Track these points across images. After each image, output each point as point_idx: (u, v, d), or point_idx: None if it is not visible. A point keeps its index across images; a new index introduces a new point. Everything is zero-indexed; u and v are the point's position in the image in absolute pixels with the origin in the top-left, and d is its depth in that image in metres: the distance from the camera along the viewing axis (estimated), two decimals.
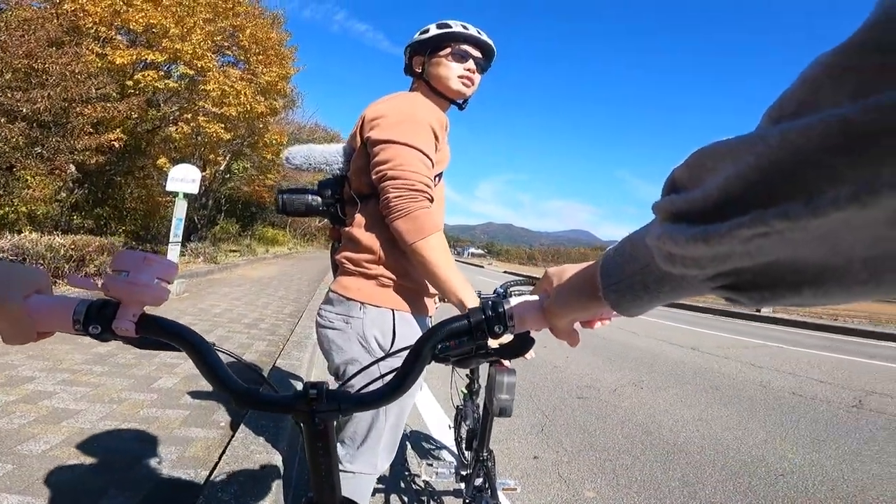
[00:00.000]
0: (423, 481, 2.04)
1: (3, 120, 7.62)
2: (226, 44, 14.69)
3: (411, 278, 1.21)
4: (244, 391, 0.55)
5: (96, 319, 0.52)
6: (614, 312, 0.45)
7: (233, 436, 2.13)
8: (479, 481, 1.59)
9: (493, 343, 0.59)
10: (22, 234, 5.86)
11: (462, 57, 1.30)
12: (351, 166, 1.27)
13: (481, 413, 1.73)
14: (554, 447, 2.69)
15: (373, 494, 1.93)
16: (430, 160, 1.17)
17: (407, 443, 2.54)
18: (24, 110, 7.91)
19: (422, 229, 1.10)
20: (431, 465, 1.84)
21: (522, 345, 0.59)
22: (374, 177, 1.15)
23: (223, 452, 1.98)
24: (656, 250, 0.31)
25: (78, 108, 8.97)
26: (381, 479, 2.06)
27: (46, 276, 0.56)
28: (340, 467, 1.14)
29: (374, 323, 1.18)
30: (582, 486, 2.27)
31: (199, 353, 0.55)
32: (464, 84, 1.31)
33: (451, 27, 1.30)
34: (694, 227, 0.26)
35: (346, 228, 1.26)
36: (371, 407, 0.60)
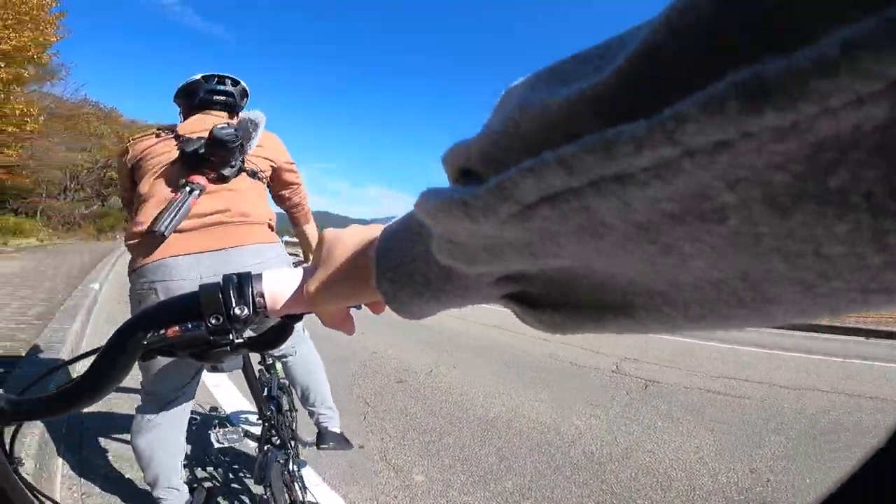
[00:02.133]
0: (217, 452, 2.03)
1: None
2: None
3: None
4: None
5: None
6: None
7: None
8: (277, 440, 1.56)
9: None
10: None
11: None
12: (261, 164, 1.58)
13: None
14: (378, 434, 2.61)
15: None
16: None
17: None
18: None
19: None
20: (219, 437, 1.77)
21: (277, 334, 0.45)
22: (299, 187, 1.77)
23: None
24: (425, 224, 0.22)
25: None
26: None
27: None
28: None
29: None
30: (410, 470, 2.23)
31: None
32: None
33: None
34: (459, 186, 0.19)
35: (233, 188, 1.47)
36: (38, 416, 0.45)
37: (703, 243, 0.14)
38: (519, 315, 0.24)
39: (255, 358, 1.99)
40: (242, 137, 1.42)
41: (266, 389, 1.73)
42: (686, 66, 0.13)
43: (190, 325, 0.41)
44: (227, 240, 1.38)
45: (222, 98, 1.66)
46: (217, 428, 1.91)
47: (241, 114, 1.50)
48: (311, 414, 1.85)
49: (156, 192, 1.41)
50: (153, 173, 1.46)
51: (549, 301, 0.22)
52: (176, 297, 0.43)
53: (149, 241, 1.33)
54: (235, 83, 1.68)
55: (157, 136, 1.54)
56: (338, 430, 1.84)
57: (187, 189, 1.35)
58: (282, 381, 2.01)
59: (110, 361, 0.42)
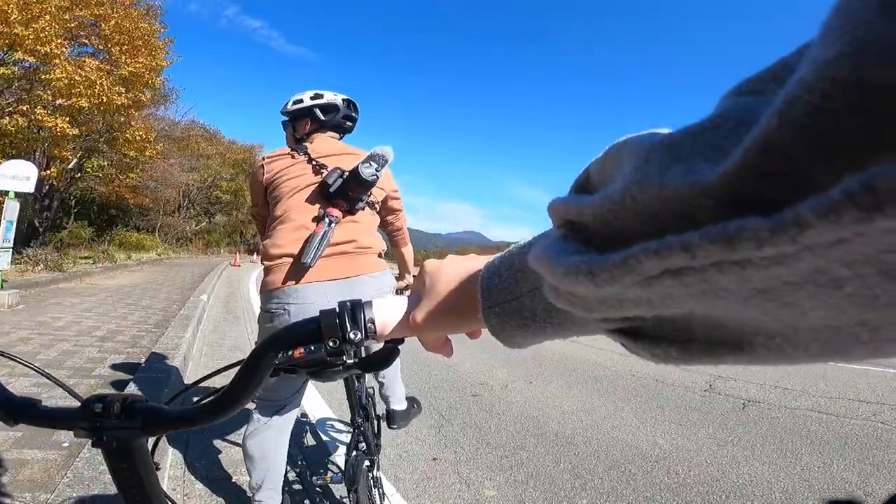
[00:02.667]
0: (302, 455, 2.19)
1: None
2: (83, 33, 13.42)
3: None
4: (15, 405, 0.48)
5: None
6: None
7: (78, 455, 1.85)
8: (364, 447, 1.65)
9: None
10: None
11: None
12: (377, 194, 1.66)
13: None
14: (452, 447, 2.65)
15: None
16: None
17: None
18: None
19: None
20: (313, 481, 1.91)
21: (385, 357, 0.49)
22: (402, 212, 1.88)
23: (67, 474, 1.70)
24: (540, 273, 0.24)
25: None
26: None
27: None
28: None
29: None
30: (482, 485, 2.24)
31: None
32: None
33: None
34: (581, 252, 0.20)
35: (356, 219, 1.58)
36: (189, 425, 0.50)
37: (822, 301, 0.15)
38: (628, 347, 0.25)
39: None
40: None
41: (357, 398, 1.85)
42: (799, 157, 0.14)
43: (312, 348, 0.47)
44: (351, 269, 1.49)
45: (350, 124, 1.77)
46: (310, 471, 2.09)
47: (374, 149, 1.54)
48: (381, 386, 2.02)
49: (293, 217, 1.52)
50: (288, 195, 1.55)
51: (661, 335, 0.23)
52: (300, 322, 0.47)
53: (287, 264, 1.45)
54: (357, 110, 1.79)
55: (293, 156, 1.61)
56: (403, 407, 2.03)
57: (327, 221, 1.47)
58: (368, 389, 2.13)
59: (248, 378, 0.47)
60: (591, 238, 0.21)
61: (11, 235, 6.09)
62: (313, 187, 1.56)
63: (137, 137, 15.47)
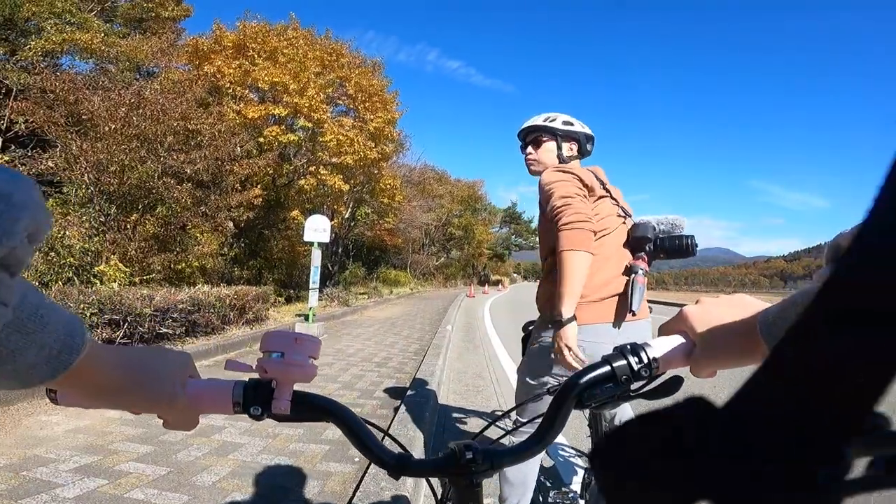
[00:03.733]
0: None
1: (173, 182, 8.33)
2: (335, 94, 15.78)
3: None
4: (395, 460, 0.57)
5: (255, 401, 0.54)
6: None
7: (365, 472, 2.24)
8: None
9: (636, 385, 0.57)
10: (196, 287, 6.88)
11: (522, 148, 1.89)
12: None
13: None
14: None
15: None
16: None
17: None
18: (188, 171, 8.66)
19: None
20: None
21: (672, 386, 0.56)
22: None
23: (356, 488, 2.08)
24: None
25: (227, 166, 9.92)
26: None
27: (190, 357, 0.58)
28: None
29: None
30: None
31: (349, 427, 0.58)
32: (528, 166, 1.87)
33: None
34: None
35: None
36: (521, 459, 0.59)
37: None
38: None
39: None
40: None
41: (601, 426, 1.93)
42: None
43: (608, 386, 0.56)
44: (626, 313, 1.61)
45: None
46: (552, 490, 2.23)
47: (677, 221, 1.66)
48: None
49: (606, 264, 1.62)
50: (599, 234, 1.61)
51: None
52: (594, 364, 0.57)
53: (586, 305, 1.57)
54: None
55: (604, 190, 1.72)
56: None
57: (641, 272, 1.58)
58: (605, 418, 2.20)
59: (557, 413, 0.57)
60: None
61: (317, 278, 7.98)
62: (619, 232, 1.68)
63: (387, 186, 17.88)
